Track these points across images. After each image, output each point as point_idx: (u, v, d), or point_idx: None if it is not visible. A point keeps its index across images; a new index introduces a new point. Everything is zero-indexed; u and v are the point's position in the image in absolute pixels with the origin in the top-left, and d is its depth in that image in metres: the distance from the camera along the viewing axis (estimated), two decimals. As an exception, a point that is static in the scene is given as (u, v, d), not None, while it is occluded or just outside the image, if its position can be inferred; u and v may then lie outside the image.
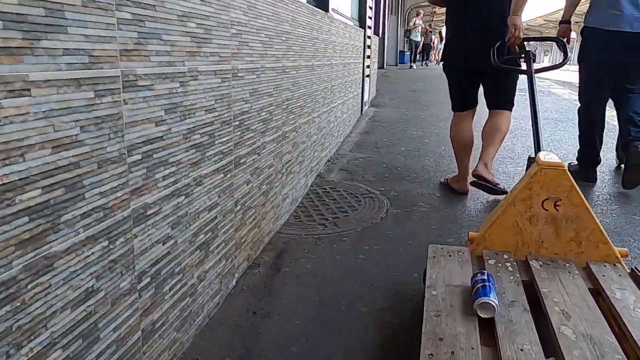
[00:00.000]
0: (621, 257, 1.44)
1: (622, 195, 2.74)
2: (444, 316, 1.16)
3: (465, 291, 1.25)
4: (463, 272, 1.37)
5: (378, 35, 7.08)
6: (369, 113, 5.79)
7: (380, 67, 12.47)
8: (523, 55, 2.43)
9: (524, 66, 2.42)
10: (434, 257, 1.46)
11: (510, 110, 2.66)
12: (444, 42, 2.85)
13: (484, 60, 2.41)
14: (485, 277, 1.21)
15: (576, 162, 3.00)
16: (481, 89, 2.72)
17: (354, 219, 2.29)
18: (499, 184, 2.52)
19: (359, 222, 2.25)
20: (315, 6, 2.72)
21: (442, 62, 2.76)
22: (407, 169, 3.26)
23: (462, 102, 2.71)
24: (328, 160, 3.38)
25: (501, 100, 2.64)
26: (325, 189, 2.75)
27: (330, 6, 3.17)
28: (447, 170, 3.20)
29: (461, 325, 1.12)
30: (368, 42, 5.50)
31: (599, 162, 2.93)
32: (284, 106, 2.09)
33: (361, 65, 5.02)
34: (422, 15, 16.38)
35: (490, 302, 1.13)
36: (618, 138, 3.03)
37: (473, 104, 2.70)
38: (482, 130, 2.67)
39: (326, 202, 2.50)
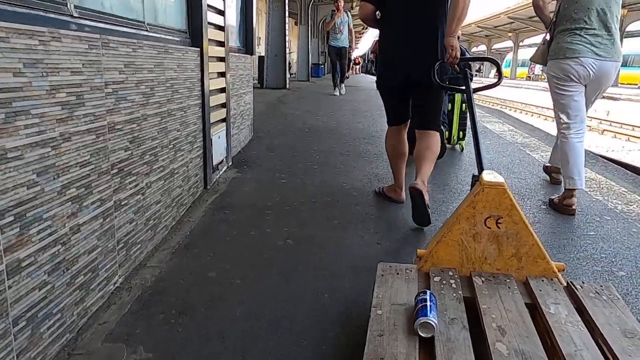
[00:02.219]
0: (558, 271, 1.52)
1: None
2: (386, 336, 1.20)
3: (409, 310, 1.30)
4: (409, 290, 1.41)
5: (251, 54, 4.59)
6: (223, 184, 3.20)
7: (282, 87, 11.01)
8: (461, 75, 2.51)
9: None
10: (382, 275, 1.50)
11: (438, 131, 2.70)
12: (378, 59, 2.76)
13: (419, 77, 2.50)
14: (427, 297, 1.26)
15: None
16: None
17: None
18: (429, 206, 2.46)
19: None
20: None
21: (377, 80, 2.77)
22: None
23: (396, 118, 2.79)
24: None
25: (429, 120, 2.68)
26: None
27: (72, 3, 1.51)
28: None
29: (402, 345, 1.16)
30: (217, 67, 3.16)
31: None
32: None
33: (198, 107, 2.75)
34: (341, 3, 9.62)
35: (430, 321, 1.18)
36: None
37: (407, 118, 2.79)
38: (414, 151, 2.68)
39: None
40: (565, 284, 1.47)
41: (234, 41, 4.14)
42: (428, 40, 2.51)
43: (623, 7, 17.41)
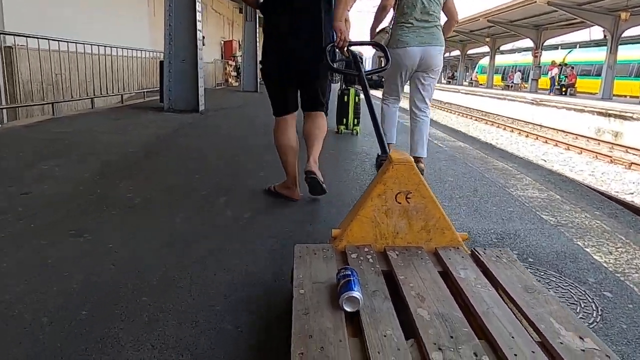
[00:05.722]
0: (462, 240, 1.61)
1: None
2: (312, 313, 1.17)
3: (331, 287, 1.28)
4: (328, 268, 1.40)
5: None
6: None
7: (194, 109, 6.99)
8: (351, 58, 2.57)
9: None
10: (300, 256, 1.47)
11: (324, 112, 2.82)
12: (264, 47, 2.68)
13: (310, 64, 2.55)
14: (349, 273, 1.26)
15: None
16: None
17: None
18: (323, 185, 2.63)
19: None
20: None
21: (264, 68, 2.71)
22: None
23: (285, 106, 2.73)
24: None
25: (317, 102, 2.76)
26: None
27: None
28: None
29: (329, 321, 1.14)
30: None
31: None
32: None
33: None
34: None
35: (355, 295, 1.18)
36: None
37: (295, 107, 2.77)
38: (302, 132, 2.75)
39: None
40: (469, 252, 1.57)
41: None
42: (314, 27, 2.53)
43: (624, 10, 16.74)
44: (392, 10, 3.49)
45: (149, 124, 5.77)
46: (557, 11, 18.76)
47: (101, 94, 8.01)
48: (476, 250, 1.55)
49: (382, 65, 2.85)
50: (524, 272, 1.42)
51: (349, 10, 2.56)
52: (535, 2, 17.85)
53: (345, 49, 2.54)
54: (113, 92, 8.47)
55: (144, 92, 9.65)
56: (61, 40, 6.56)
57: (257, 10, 2.77)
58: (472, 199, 3.05)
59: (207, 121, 6.46)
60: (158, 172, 3.49)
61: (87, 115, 6.53)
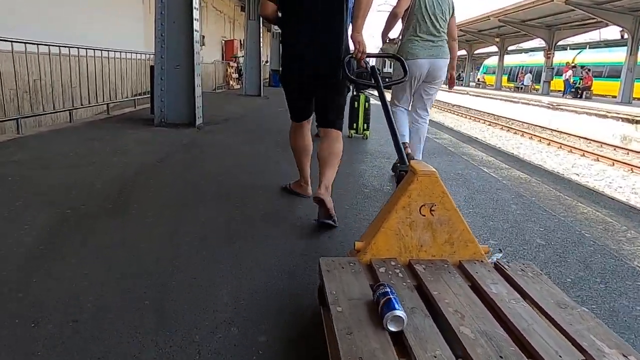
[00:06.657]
0: (484, 253, 1.61)
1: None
2: (355, 333, 1.14)
3: (367, 304, 1.26)
4: (360, 283, 1.37)
5: None
6: None
7: (190, 122, 5.82)
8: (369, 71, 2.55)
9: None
10: (328, 270, 1.44)
11: (340, 130, 2.69)
12: (283, 55, 2.69)
13: (326, 72, 2.50)
14: (388, 290, 1.23)
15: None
16: None
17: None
18: (333, 216, 2.43)
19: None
20: None
21: (282, 75, 2.69)
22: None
23: (300, 114, 2.76)
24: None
25: (332, 118, 2.66)
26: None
27: None
28: None
29: (374, 341, 1.12)
30: None
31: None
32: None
33: None
34: None
35: (399, 315, 1.15)
36: None
37: (309, 115, 2.78)
38: (317, 154, 2.65)
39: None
40: (492, 265, 1.57)
41: None
42: (332, 38, 2.48)
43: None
44: (401, 21, 3.62)
45: (134, 147, 4.50)
46: (573, 10, 17.45)
47: (82, 104, 6.48)
48: (500, 264, 1.55)
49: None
50: (552, 286, 1.43)
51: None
52: (553, 1, 16.90)
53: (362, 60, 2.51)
54: (97, 102, 6.92)
55: (134, 99, 8.16)
56: (29, 43, 5.14)
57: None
58: (597, 286, 1.99)
59: (205, 141, 5.15)
60: (135, 233, 2.27)
61: (60, 132, 5.22)
